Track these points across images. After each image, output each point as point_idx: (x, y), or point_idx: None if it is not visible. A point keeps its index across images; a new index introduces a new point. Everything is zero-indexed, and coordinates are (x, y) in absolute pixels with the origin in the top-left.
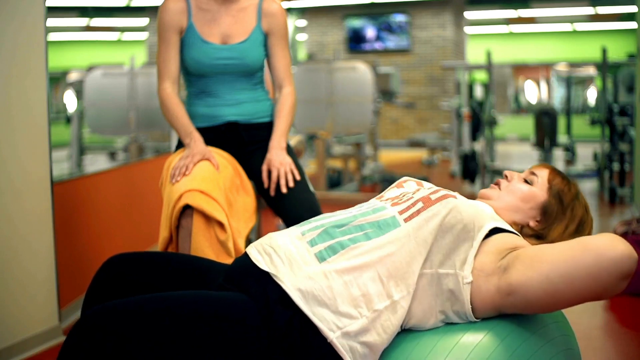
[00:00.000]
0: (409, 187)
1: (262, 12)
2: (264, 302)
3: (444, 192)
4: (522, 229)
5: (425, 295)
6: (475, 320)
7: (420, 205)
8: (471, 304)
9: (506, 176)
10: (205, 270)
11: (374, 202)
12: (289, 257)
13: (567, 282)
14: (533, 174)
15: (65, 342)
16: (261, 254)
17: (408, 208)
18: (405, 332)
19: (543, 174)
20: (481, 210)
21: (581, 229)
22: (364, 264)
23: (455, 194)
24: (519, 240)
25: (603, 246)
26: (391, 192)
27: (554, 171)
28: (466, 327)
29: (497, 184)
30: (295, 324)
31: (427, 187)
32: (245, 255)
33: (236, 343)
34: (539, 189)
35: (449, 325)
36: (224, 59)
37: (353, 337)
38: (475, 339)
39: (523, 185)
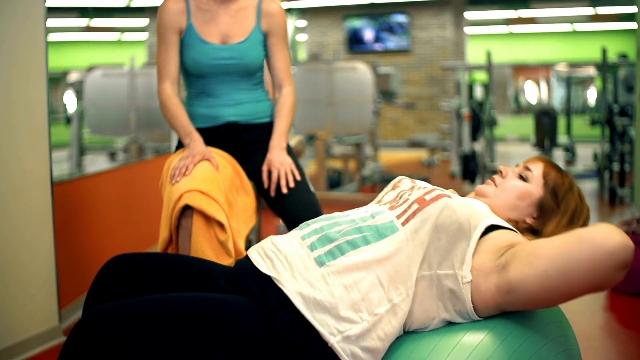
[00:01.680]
0: (404, 185)
1: (261, 12)
2: (265, 305)
3: (438, 191)
4: (517, 224)
5: (426, 297)
6: (479, 318)
7: (415, 206)
8: (472, 303)
9: (500, 172)
10: (207, 273)
11: (372, 206)
12: (289, 261)
13: (564, 277)
14: (527, 169)
15: (66, 342)
16: (262, 258)
17: (405, 211)
18: (406, 333)
19: (538, 169)
20: (476, 209)
21: (575, 220)
22: (363, 268)
23: (450, 192)
24: (515, 236)
25: (599, 237)
26: (388, 195)
27: (549, 164)
28: (466, 327)
29: (493, 180)
30: (296, 328)
31: (422, 187)
32: (247, 258)
33: (237, 345)
34: (535, 185)
35: (449, 325)
36: (224, 59)
37: (354, 341)
38: (475, 339)
39: (518, 182)
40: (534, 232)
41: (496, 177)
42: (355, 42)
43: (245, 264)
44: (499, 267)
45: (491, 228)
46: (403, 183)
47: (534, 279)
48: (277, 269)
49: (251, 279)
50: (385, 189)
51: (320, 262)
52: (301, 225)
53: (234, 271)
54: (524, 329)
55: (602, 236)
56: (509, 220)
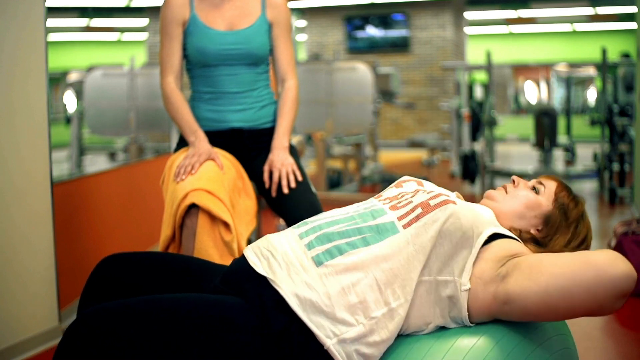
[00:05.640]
0: (408, 187)
1: (266, 3)
2: (261, 306)
3: (443, 197)
4: (521, 234)
5: (423, 302)
6: (471, 325)
7: (419, 210)
8: (468, 310)
9: (513, 181)
10: (201, 272)
11: (372, 202)
12: (286, 261)
13: (564, 296)
14: (540, 183)
15: (62, 341)
16: (259, 257)
17: (407, 214)
18: (401, 335)
19: (550, 185)
20: (480, 216)
21: (582, 247)
22: (361, 270)
23: (455, 198)
24: (518, 246)
25: (604, 263)
26: (389, 191)
27: (562, 185)
28: (461, 329)
29: (505, 187)
30: (292, 329)
31: (428, 190)
32: (243, 257)
33: (233, 346)
34: (545, 199)
35: (443, 329)
36: (229, 44)
37: (349, 343)
38: (470, 341)
39: (529, 192)
40: (537, 243)
41: (508, 185)
42: (355, 42)
43: (241, 263)
44: (499, 277)
45: (494, 236)
46: (408, 185)
47: (534, 293)
48: (273, 269)
49: (246, 279)
50: (389, 187)
51: (317, 262)
52: (300, 223)
53: (229, 270)
54: (518, 330)
55: (608, 262)
56: (512, 229)
